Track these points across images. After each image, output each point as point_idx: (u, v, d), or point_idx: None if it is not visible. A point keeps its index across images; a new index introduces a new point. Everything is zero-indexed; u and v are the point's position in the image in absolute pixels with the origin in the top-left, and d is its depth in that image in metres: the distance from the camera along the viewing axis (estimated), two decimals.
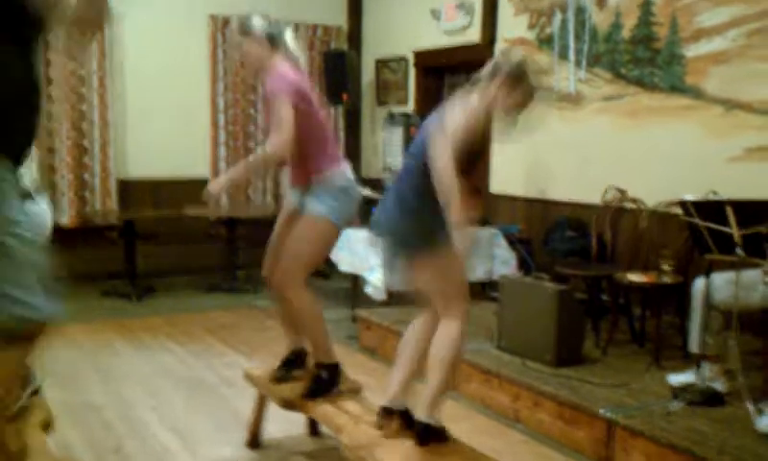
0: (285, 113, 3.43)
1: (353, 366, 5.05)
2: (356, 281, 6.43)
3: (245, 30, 3.63)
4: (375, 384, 4.57)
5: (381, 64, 8.65)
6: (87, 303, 6.96)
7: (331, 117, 8.87)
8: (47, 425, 3.10)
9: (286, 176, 3.87)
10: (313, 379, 3.74)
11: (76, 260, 7.40)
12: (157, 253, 7.79)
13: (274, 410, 3.92)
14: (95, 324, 6.26)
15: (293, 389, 3.76)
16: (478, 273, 6.29)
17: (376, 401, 3.70)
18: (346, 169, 3.70)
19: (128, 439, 4.11)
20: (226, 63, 8.27)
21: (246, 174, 4.54)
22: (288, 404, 3.71)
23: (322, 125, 3.68)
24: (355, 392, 3.77)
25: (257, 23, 3.62)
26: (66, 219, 7.59)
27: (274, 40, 3.63)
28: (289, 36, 3.72)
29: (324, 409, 3.54)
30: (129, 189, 7.91)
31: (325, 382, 3.72)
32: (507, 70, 3.04)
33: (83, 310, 6.53)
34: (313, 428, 4.11)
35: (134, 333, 6.11)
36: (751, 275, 3.75)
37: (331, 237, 3.69)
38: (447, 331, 3.11)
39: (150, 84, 7.91)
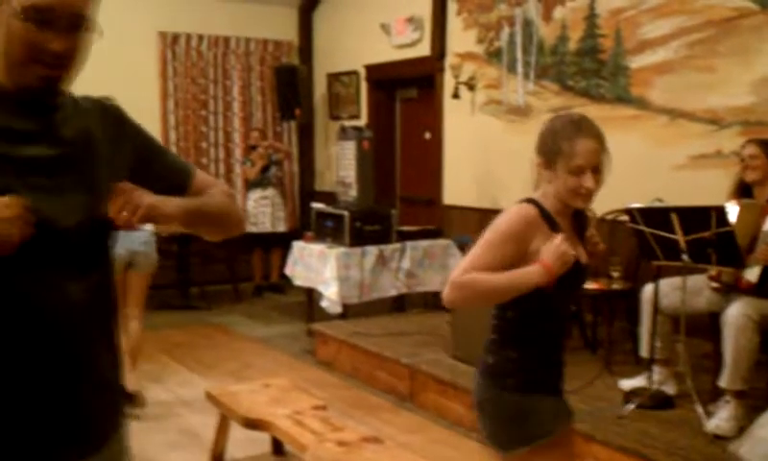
0: None
1: (310, 380, 5.04)
2: (312, 295, 6.42)
3: None
4: (332, 397, 4.57)
5: (333, 79, 8.67)
6: None
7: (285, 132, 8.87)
8: None
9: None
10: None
11: None
12: None
13: (236, 430, 3.86)
14: None
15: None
16: (433, 284, 6.34)
17: (333, 416, 3.69)
18: None
19: None
20: (176, 80, 8.21)
21: None
22: (251, 424, 3.65)
23: None
24: (319, 409, 3.73)
25: None
26: None
27: None
28: None
29: (287, 428, 3.50)
30: None
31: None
32: None
33: None
34: (277, 448, 4.05)
35: None
36: (696, 280, 3.85)
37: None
38: None
39: None
